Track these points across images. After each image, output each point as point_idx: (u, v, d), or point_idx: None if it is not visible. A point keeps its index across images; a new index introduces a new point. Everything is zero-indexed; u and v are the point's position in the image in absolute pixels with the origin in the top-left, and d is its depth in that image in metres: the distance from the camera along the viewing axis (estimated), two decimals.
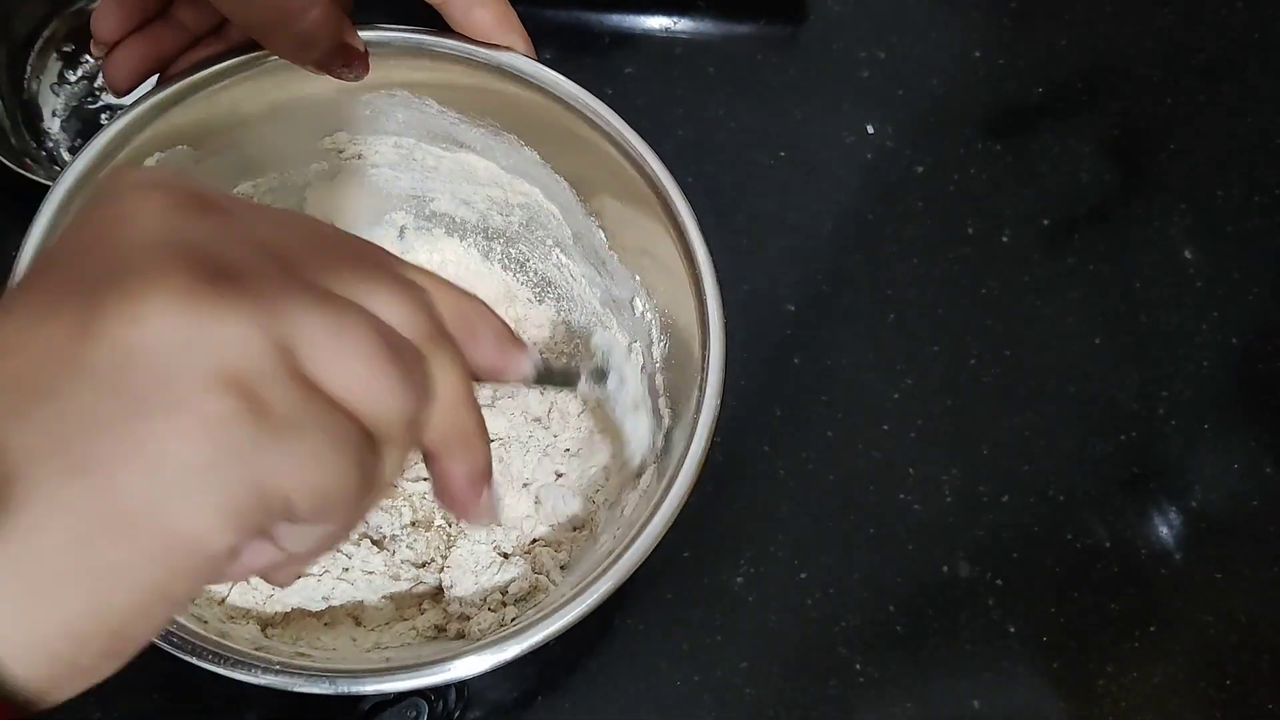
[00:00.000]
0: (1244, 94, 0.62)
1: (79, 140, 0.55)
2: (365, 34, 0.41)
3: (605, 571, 0.37)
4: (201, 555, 0.21)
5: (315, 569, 0.44)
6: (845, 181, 0.58)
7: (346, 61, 0.40)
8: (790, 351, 0.55)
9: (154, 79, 0.42)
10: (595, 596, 0.37)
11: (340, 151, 0.47)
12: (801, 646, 0.50)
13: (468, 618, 0.44)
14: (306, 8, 0.37)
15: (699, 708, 0.49)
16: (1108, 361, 0.56)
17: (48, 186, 0.40)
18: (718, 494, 0.50)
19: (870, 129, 0.59)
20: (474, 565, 0.45)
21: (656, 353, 0.45)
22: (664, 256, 0.42)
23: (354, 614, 0.45)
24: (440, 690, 0.44)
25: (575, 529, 0.46)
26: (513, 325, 0.50)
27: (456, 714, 0.46)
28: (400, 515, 0.46)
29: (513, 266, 0.51)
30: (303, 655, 0.40)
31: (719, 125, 0.58)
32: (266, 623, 0.43)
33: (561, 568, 0.45)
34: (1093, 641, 0.52)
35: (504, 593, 0.45)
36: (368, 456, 0.23)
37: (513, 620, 0.40)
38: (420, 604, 0.45)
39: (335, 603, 0.44)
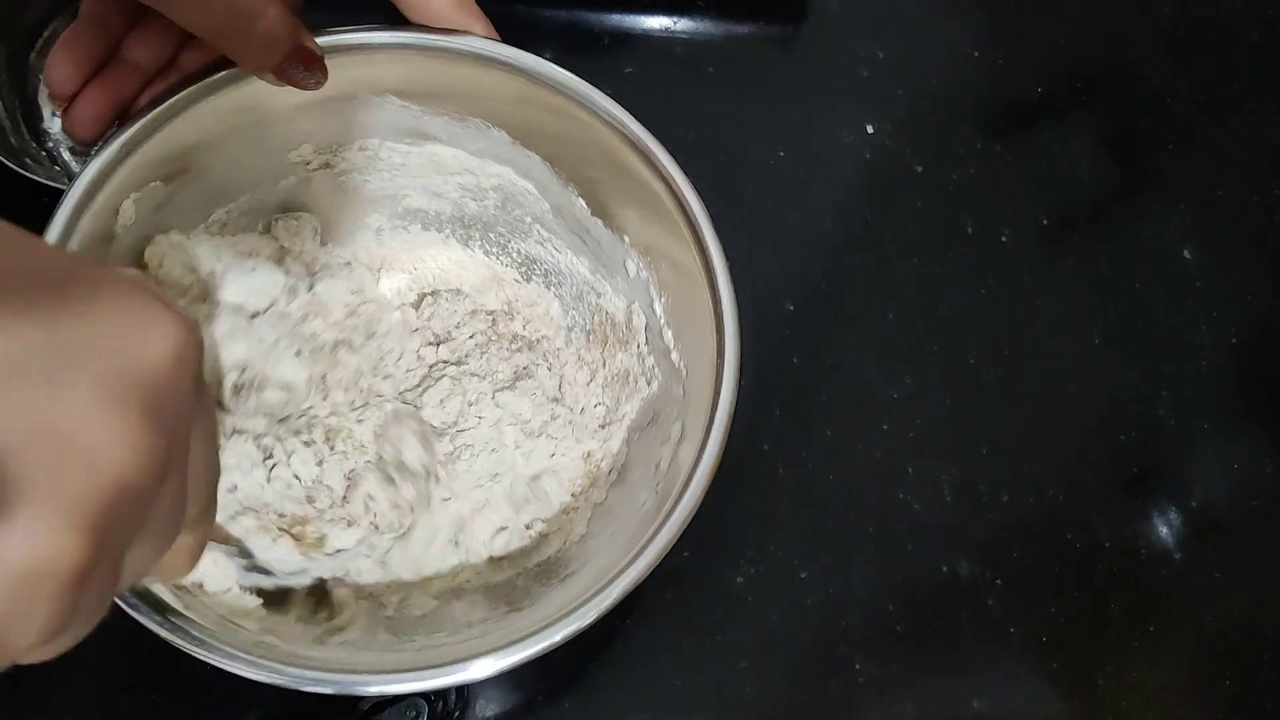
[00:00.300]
0: (1244, 94, 0.62)
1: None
2: (319, 39, 0.40)
3: (613, 580, 0.37)
4: None
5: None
6: (844, 180, 0.58)
7: (306, 64, 0.40)
8: (790, 351, 0.55)
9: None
10: (606, 603, 0.37)
11: (307, 164, 0.47)
12: (802, 646, 0.50)
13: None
14: (262, 7, 0.37)
15: (699, 708, 0.49)
16: (1108, 361, 0.56)
17: (48, 186, 0.40)
18: (718, 494, 0.50)
19: (870, 128, 0.59)
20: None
21: (659, 308, 0.45)
22: (658, 210, 0.42)
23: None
24: (440, 690, 0.44)
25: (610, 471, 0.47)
26: (505, 308, 0.50)
27: (456, 714, 0.46)
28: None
29: (495, 250, 0.51)
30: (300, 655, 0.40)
31: (718, 125, 0.58)
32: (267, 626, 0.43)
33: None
34: (1093, 641, 0.52)
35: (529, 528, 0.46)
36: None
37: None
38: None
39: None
